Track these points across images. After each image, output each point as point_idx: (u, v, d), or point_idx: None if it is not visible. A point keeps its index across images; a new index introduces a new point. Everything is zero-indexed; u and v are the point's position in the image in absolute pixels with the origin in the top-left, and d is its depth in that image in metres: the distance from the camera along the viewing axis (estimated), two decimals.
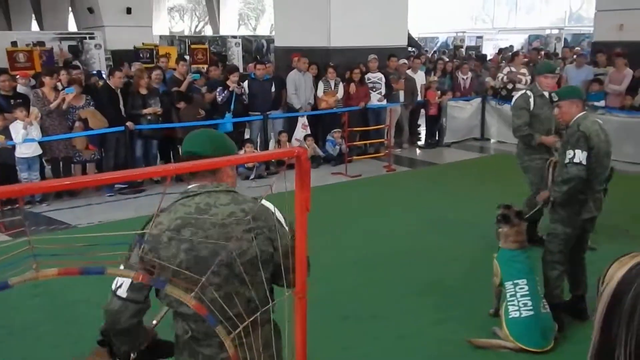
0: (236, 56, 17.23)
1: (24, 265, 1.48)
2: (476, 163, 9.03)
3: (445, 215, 6.15)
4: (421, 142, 10.42)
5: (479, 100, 10.37)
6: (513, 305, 3.50)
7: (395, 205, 6.64)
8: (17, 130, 6.49)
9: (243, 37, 20.05)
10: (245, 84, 8.41)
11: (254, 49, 19.54)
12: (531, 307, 3.46)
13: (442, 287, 4.40)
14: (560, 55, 14.06)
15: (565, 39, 20.93)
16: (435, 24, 27.94)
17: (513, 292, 3.54)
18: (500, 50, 16.53)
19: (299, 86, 8.69)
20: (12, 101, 6.87)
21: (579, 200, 3.59)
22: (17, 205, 6.50)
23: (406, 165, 9.04)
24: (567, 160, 3.49)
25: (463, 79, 10.46)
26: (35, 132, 6.59)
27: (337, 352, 3.49)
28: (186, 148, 1.87)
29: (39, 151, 6.72)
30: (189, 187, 1.83)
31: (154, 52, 13.99)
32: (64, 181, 1.28)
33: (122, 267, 1.72)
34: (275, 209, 1.89)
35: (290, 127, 8.85)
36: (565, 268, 3.73)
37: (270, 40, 19.15)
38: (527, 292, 3.50)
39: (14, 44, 13.75)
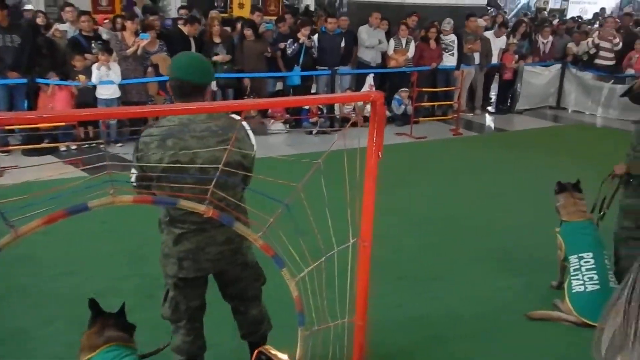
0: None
1: (102, 191, 1.57)
2: (549, 132, 8.60)
3: (511, 183, 5.95)
4: (491, 108, 10.03)
5: (558, 66, 9.79)
6: (577, 279, 3.36)
7: (460, 170, 6.48)
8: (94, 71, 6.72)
9: None
10: (316, 37, 8.32)
11: (327, 2, 19.16)
12: (597, 281, 3.30)
13: (503, 255, 4.30)
14: None
15: None
16: None
17: (577, 267, 3.40)
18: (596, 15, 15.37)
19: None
20: (92, 42, 7.11)
21: None
22: (95, 143, 6.85)
23: (474, 130, 8.75)
24: None
25: (543, 42, 9.86)
26: (114, 76, 6.77)
27: (391, 309, 3.48)
28: (177, 75, 2.07)
29: (118, 94, 6.85)
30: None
31: (229, 0, 14.04)
32: (142, 109, 1.32)
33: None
34: (245, 123, 2.23)
35: (357, 85, 8.73)
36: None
37: None
38: (593, 266, 3.34)
39: None
